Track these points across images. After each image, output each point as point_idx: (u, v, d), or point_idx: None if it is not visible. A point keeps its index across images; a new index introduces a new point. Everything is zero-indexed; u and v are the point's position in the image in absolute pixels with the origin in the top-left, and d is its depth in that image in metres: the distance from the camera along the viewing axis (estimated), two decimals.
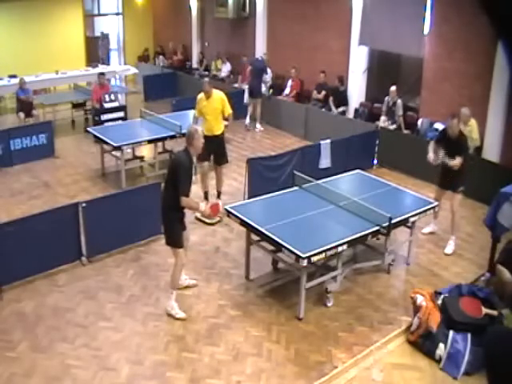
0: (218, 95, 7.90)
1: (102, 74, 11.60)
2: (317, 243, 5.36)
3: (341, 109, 11.52)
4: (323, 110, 11.60)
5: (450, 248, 6.99)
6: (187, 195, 5.38)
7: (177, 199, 5.30)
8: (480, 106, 8.85)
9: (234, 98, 12.64)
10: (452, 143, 6.83)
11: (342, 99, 11.58)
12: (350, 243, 5.64)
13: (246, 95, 12.34)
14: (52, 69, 13.96)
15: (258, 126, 12.18)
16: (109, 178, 9.35)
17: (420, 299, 5.24)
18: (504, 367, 2.97)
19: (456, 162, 6.67)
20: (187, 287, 6.06)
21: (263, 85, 12.38)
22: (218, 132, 7.88)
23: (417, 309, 5.24)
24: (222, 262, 6.70)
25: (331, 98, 11.63)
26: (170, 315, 5.60)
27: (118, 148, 8.64)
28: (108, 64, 16.94)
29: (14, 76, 13.03)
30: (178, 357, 5.06)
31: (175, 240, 5.49)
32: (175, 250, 5.52)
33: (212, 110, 7.84)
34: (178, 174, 5.30)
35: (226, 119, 8.04)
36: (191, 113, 10.73)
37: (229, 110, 7.97)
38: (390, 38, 10.64)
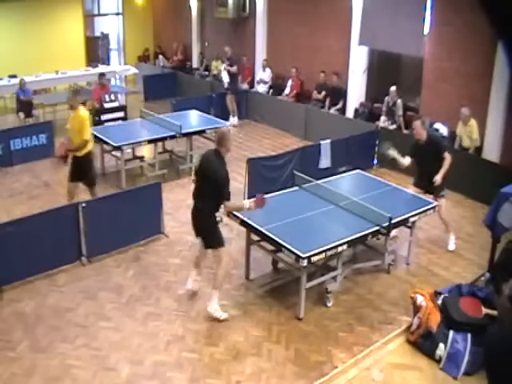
0: (80, 113, 7.00)
1: (103, 74, 11.59)
2: (317, 243, 5.36)
3: (336, 107, 11.51)
4: (323, 109, 11.60)
5: (452, 244, 7.06)
6: (229, 199, 5.35)
7: (216, 204, 5.34)
8: (480, 105, 8.85)
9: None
10: (424, 150, 6.80)
11: (338, 95, 11.57)
12: (350, 243, 5.64)
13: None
14: (52, 69, 13.94)
15: (232, 119, 12.21)
16: (109, 177, 9.35)
17: (420, 299, 5.24)
18: (504, 367, 2.97)
19: (437, 177, 6.67)
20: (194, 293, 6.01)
21: (228, 78, 12.54)
22: (77, 153, 7.08)
23: (417, 309, 5.24)
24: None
25: (328, 99, 11.64)
26: (210, 317, 5.51)
27: (118, 148, 8.64)
28: (108, 64, 16.92)
29: (14, 76, 13.02)
30: (178, 357, 5.06)
31: (219, 240, 5.48)
32: (219, 250, 5.49)
33: (72, 127, 7.07)
34: (218, 180, 5.23)
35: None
36: (191, 113, 10.79)
37: (84, 136, 6.94)
38: (390, 37, 10.63)
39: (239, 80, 14.26)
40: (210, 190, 5.33)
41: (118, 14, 18.33)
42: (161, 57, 17.58)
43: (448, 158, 6.72)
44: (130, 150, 9.34)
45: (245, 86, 13.89)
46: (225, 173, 5.29)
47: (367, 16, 11.00)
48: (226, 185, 5.26)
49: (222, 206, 5.42)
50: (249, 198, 7.48)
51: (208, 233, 5.53)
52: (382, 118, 10.43)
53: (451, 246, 7.05)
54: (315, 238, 5.56)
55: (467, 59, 9.28)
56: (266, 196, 5.64)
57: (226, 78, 12.59)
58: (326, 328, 5.50)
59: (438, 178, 6.66)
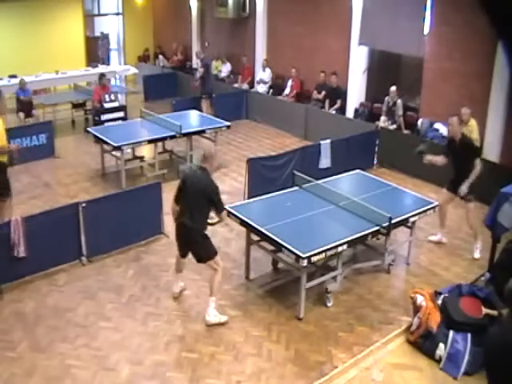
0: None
1: (103, 75, 11.58)
2: (317, 243, 5.36)
3: (335, 106, 11.50)
4: (323, 109, 11.60)
5: (477, 253, 6.88)
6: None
7: (207, 219, 5.47)
8: (480, 105, 8.85)
9: (235, 98, 12.77)
10: (457, 149, 6.74)
11: (337, 95, 11.58)
12: (350, 243, 5.64)
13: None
14: (52, 69, 13.95)
15: None
16: (109, 177, 9.35)
17: (420, 299, 5.24)
18: (504, 367, 2.97)
19: (463, 187, 6.62)
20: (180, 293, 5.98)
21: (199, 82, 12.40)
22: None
23: (417, 309, 5.24)
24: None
25: (327, 100, 11.64)
26: (213, 325, 5.45)
27: (118, 148, 8.64)
28: (108, 64, 16.93)
29: (14, 76, 13.02)
30: (178, 357, 5.06)
31: (211, 251, 5.46)
32: (213, 260, 5.47)
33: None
34: (212, 194, 5.33)
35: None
36: (191, 113, 10.79)
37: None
38: (390, 37, 10.64)
39: (239, 80, 14.29)
40: (202, 205, 5.35)
41: (118, 14, 18.34)
42: (161, 57, 17.58)
43: (478, 165, 6.60)
44: (129, 150, 9.34)
45: (245, 86, 13.90)
46: (217, 188, 5.43)
47: (367, 16, 11.01)
48: (219, 197, 5.40)
49: (216, 216, 5.61)
50: (249, 198, 7.52)
51: (201, 248, 5.47)
52: (382, 118, 10.43)
53: (477, 255, 6.85)
54: (315, 238, 5.56)
55: (467, 59, 9.28)
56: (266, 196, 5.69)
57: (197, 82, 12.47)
58: (326, 328, 5.50)
59: (463, 188, 6.61)
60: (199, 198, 5.34)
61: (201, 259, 5.52)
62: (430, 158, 7.02)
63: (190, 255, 5.62)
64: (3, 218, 6.56)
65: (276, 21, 13.45)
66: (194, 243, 5.46)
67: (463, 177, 6.65)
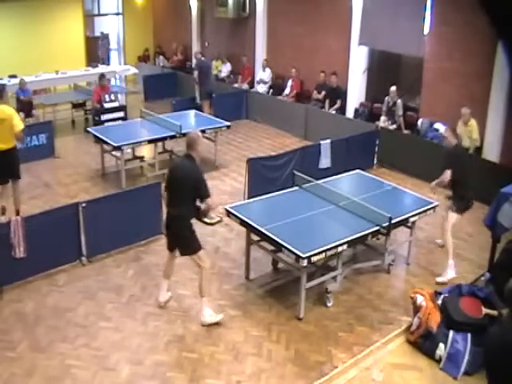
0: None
1: (103, 75, 11.57)
2: (317, 243, 5.36)
3: (335, 106, 11.50)
4: (323, 109, 11.60)
5: (443, 276, 6.32)
6: (210, 196, 5.34)
7: (193, 209, 5.34)
8: (480, 105, 8.85)
9: (235, 98, 12.77)
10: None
11: (336, 95, 11.58)
12: (350, 243, 5.64)
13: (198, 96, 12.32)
14: (52, 69, 13.94)
15: None
16: (109, 177, 9.35)
17: (420, 299, 5.24)
18: (504, 368, 2.97)
19: (431, 183, 6.37)
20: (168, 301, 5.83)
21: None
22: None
23: (417, 309, 5.24)
24: (222, 262, 6.70)
25: (327, 100, 11.65)
26: (210, 325, 5.42)
27: (118, 148, 8.64)
28: (108, 64, 16.92)
29: (14, 76, 13.01)
30: (178, 357, 5.06)
31: (195, 245, 5.37)
32: (198, 254, 5.38)
33: None
34: (197, 182, 5.22)
35: None
36: (191, 113, 10.79)
37: None
38: (390, 37, 10.64)
39: (239, 80, 14.29)
40: (187, 195, 5.27)
41: (118, 14, 18.34)
42: (161, 57, 17.59)
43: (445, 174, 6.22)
44: (129, 150, 9.34)
45: (245, 86, 13.90)
46: (201, 173, 5.32)
47: (367, 16, 11.01)
48: (205, 183, 5.27)
49: (203, 205, 5.38)
50: (249, 198, 7.51)
51: (186, 239, 5.38)
52: (382, 117, 10.43)
53: (443, 277, 6.30)
54: (315, 238, 5.56)
55: (467, 59, 9.28)
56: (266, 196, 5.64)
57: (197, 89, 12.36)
58: (326, 328, 5.50)
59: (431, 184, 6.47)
60: (183, 186, 5.28)
61: (183, 251, 5.46)
62: (433, 183, 6.50)
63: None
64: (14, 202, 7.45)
65: (276, 21, 13.45)
66: (178, 233, 5.39)
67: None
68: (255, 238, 6.07)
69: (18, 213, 7.34)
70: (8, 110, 7.13)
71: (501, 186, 5.99)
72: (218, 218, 7.56)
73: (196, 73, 12.36)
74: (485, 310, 5.07)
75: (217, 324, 5.48)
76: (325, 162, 9.01)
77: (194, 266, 6.04)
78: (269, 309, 5.79)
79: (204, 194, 5.27)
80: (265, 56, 13.83)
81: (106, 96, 11.15)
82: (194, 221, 5.49)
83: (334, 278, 5.86)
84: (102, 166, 9.48)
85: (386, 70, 11.46)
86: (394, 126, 10.27)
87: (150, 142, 9.13)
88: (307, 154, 8.85)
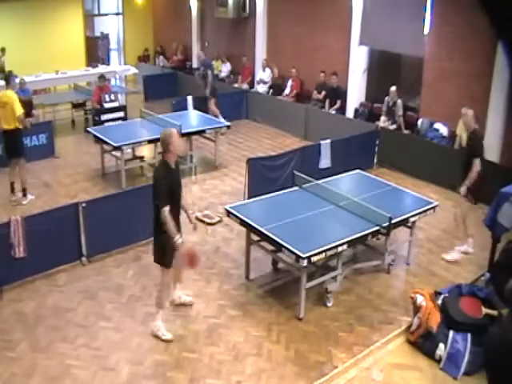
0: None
1: (103, 76, 11.57)
2: (317, 243, 5.36)
3: (335, 106, 11.50)
4: (323, 110, 11.60)
5: (451, 254, 6.84)
6: (164, 204, 4.85)
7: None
8: (480, 106, 8.84)
9: (235, 98, 12.76)
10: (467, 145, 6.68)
11: (336, 95, 11.58)
12: (350, 243, 5.64)
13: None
14: (52, 69, 13.94)
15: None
16: (109, 177, 9.35)
17: (420, 299, 5.24)
18: (504, 367, 2.97)
19: (462, 189, 6.56)
20: (182, 304, 5.77)
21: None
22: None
23: (417, 309, 5.24)
24: (222, 262, 6.70)
25: (328, 100, 11.65)
26: (155, 336, 5.26)
27: (118, 148, 8.64)
28: (108, 64, 16.92)
29: (14, 76, 12.99)
30: (178, 357, 5.06)
31: (167, 260, 5.11)
32: (163, 269, 5.19)
33: None
34: (154, 186, 4.98)
35: None
36: (191, 113, 10.79)
37: None
38: (390, 38, 10.64)
39: (239, 80, 14.28)
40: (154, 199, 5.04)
41: (117, 14, 18.35)
42: (161, 57, 17.59)
43: (477, 166, 6.43)
44: (129, 150, 9.35)
45: (245, 86, 13.90)
46: (159, 174, 4.98)
47: (367, 16, 11.01)
48: (158, 186, 4.92)
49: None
50: (249, 198, 7.52)
51: (155, 245, 5.17)
52: (382, 118, 10.43)
53: (448, 256, 6.83)
54: (315, 238, 5.56)
55: (467, 59, 9.28)
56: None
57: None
58: (326, 328, 5.49)
59: (462, 190, 6.57)
60: (153, 188, 5.08)
61: (154, 258, 5.23)
62: (463, 188, 6.59)
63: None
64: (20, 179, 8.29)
65: (276, 21, 13.45)
66: (153, 237, 5.22)
67: (465, 176, 6.59)
68: (255, 237, 6.07)
69: (24, 192, 8.30)
70: (11, 95, 7.96)
71: (501, 186, 5.99)
72: (218, 218, 7.56)
73: (209, 72, 12.20)
74: (485, 310, 5.07)
75: (218, 324, 5.48)
76: (325, 162, 9.01)
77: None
78: (269, 309, 5.79)
79: (158, 201, 4.90)
80: (265, 56, 13.84)
81: (106, 96, 11.15)
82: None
83: (334, 278, 5.86)
84: (102, 166, 9.48)
85: (386, 70, 11.46)
86: (394, 126, 10.27)
87: (149, 142, 9.13)
88: (307, 153, 8.85)
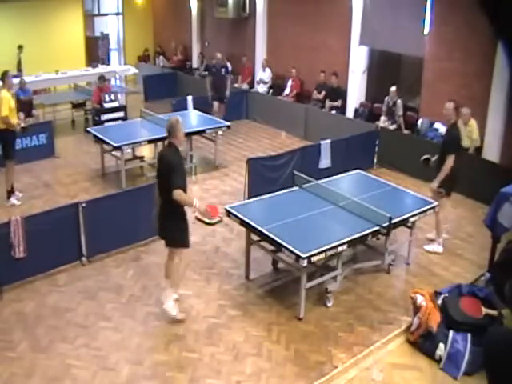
0: None
1: (102, 77, 11.56)
2: (317, 243, 5.36)
3: (334, 104, 11.49)
4: (323, 109, 11.60)
5: (430, 246, 6.96)
6: (181, 189, 5.12)
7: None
8: (480, 105, 8.85)
9: (235, 98, 12.74)
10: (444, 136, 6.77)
11: (336, 95, 11.58)
12: (350, 243, 5.64)
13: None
14: (52, 69, 13.94)
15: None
16: (109, 177, 9.35)
17: (420, 299, 5.24)
18: (504, 367, 2.97)
19: (432, 185, 6.63)
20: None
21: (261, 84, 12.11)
22: None
23: (417, 309, 5.24)
24: (222, 262, 6.70)
25: (328, 100, 11.65)
26: (169, 317, 5.46)
27: (118, 148, 8.64)
28: (108, 64, 16.93)
29: (14, 76, 13.00)
30: (178, 357, 5.06)
31: (182, 239, 5.36)
32: (181, 249, 5.41)
33: None
34: (171, 168, 5.14)
35: None
36: (191, 113, 10.78)
37: None
38: (390, 38, 10.64)
39: (239, 80, 14.26)
40: (167, 181, 5.17)
41: (117, 14, 18.36)
42: (161, 57, 17.59)
43: (449, 160, 6.52)
44: (129, 150, 9.34)
45: (245, 86, 13.90)
46: (178, 160, 5.26)
47: (367, 16, 11.02)
48: (177, 171, 5.14)
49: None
50: (249, 198, 7.52)
51: (170, 229, 5.34)
52: (382, 117, 10.43)
53: (428, 247, 6.99)
54: (315, 238, 5.56)
55: (467, 59, 9.28)
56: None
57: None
58: (326, 328, 5.49)
59: (432, 184, 6.64)
60: (163, 174, 5.24)
61: (167, 243, 5.48)
62: (434, 184, 6.71)
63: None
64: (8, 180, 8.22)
65: (276, 21, 13.45)
66: (165, 222, 5.34)
67: (438, 171, 6.64)
68: (255, 237, 6.07)
69: (8, 194, 8.21)
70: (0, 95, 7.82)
71: (501, 186, 5.98)
72: (218, 218, 7.56)
73: (228, 74, 11.97)
74: (485, 310, 5.07)
75: (218, 324, 5.48)
76: (325, 162, 9.01)
77: (195, 266, 6.04)
78: (269, 309, 5.79)
79: (172, 183, 5.07)
80: (265, 56, 13.84)
81: (106, 96, 11.15)
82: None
83: (334, 278, 5.86)
84: (102, 166, 9.48)
85: (386, 70, 11.46)
86: (394, 126, 10.27)
87: (149, 142, 9.13)
88: (307, 153, 8.85)
